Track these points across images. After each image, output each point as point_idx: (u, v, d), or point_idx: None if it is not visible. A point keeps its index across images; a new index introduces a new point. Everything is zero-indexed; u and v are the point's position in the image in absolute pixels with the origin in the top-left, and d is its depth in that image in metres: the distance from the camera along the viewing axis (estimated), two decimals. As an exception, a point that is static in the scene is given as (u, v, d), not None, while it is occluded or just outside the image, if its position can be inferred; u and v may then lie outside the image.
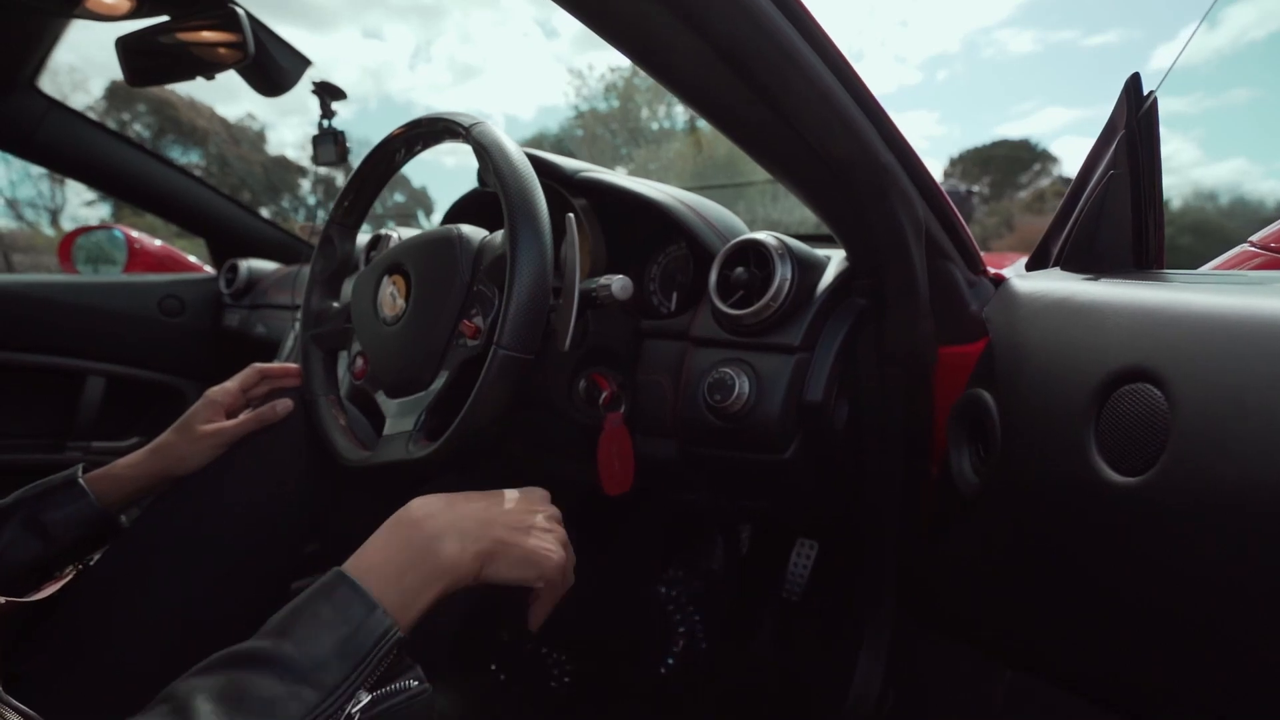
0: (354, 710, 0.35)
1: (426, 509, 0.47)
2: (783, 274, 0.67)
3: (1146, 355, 0.39)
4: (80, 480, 0.63)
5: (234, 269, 1.62)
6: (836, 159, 0.56)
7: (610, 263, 0.83)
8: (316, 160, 1.12)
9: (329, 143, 1.10)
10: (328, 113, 1.09)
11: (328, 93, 1.08)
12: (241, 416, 0.71)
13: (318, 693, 0.34)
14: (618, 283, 0.62)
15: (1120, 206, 0.55)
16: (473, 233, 0.66)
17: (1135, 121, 0.55)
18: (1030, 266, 0.70)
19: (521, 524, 0.50)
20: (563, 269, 0.60)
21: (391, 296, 0.69)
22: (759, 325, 0.69)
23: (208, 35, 0.85)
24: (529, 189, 0.58)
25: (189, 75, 0.88)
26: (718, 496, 0.81)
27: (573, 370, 0.74)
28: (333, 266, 0.79)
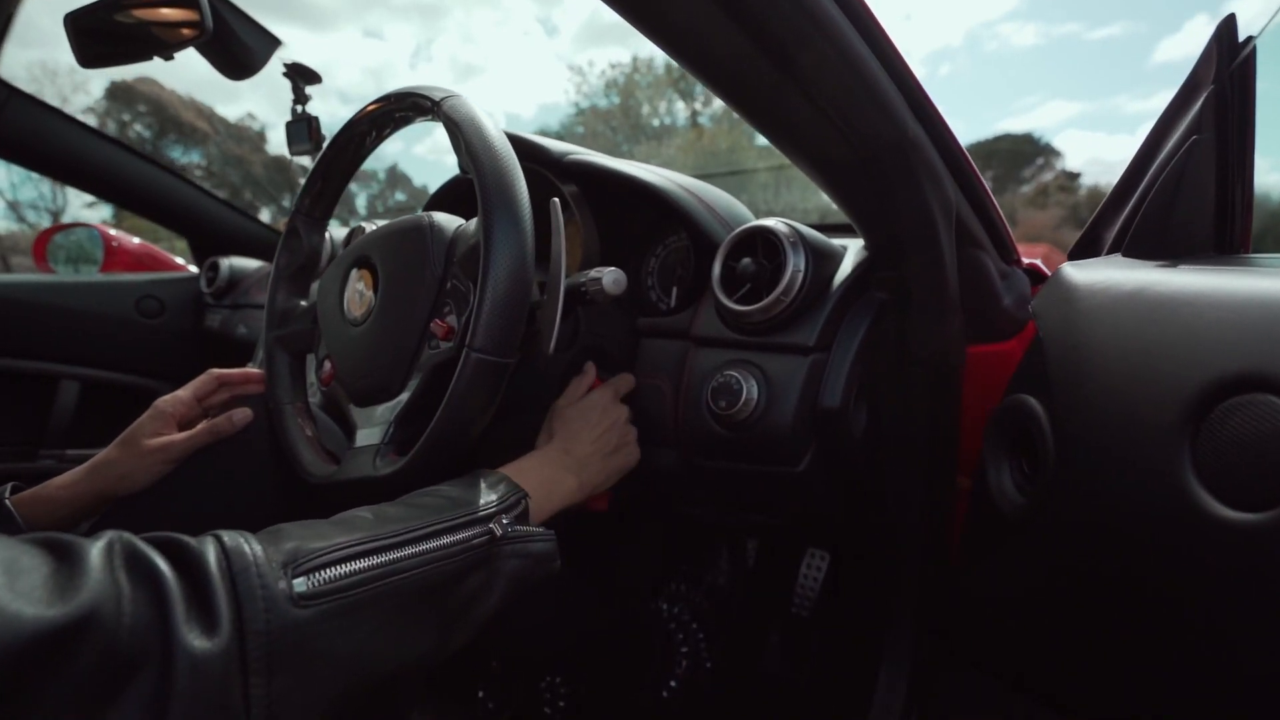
0: (505, 521, 0.45)
1: (560, 448, 0.59)
2: (795, 264, 0.60)
3: (1265, 360, 0.31)
4: (7, 502, 0.56)
5: (214, 267, 1.54)
6: (858, 131, 0.48)
7: (604, 255, 0.75)
8: (291, 148, 1.05)
9: (303, 129, 1.03)
10: (301, 97, 1.02)
11: (300, 76, 1.00)
12: (197, 428, 0.64)
13: (467, 510, 0.44)
14: (609, 276, 0.55)
15: (1203, 178, 0.47)
16: (446, 221, 0.59)
17: (1227, 75, 0.46)
18: (1076, 255, 0.63)
19: (611, 447, 0.61)
20: (549, 261, 0.54)
21: (358, 293, 0.62)
22: (768, 323, 0.61)
23: (163, 12, 0.78)
24: (505, 169, 0.50)
25: (145, 55, 0.81)
26: (723, 511, 0.74)
27: (562, 374, 0.67)
28: (299, 261, 0.73)
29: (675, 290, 0.76)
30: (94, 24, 0.83)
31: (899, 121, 0.49)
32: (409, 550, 0.40)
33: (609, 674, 0.98)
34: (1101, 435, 0.37)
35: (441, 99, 0.56)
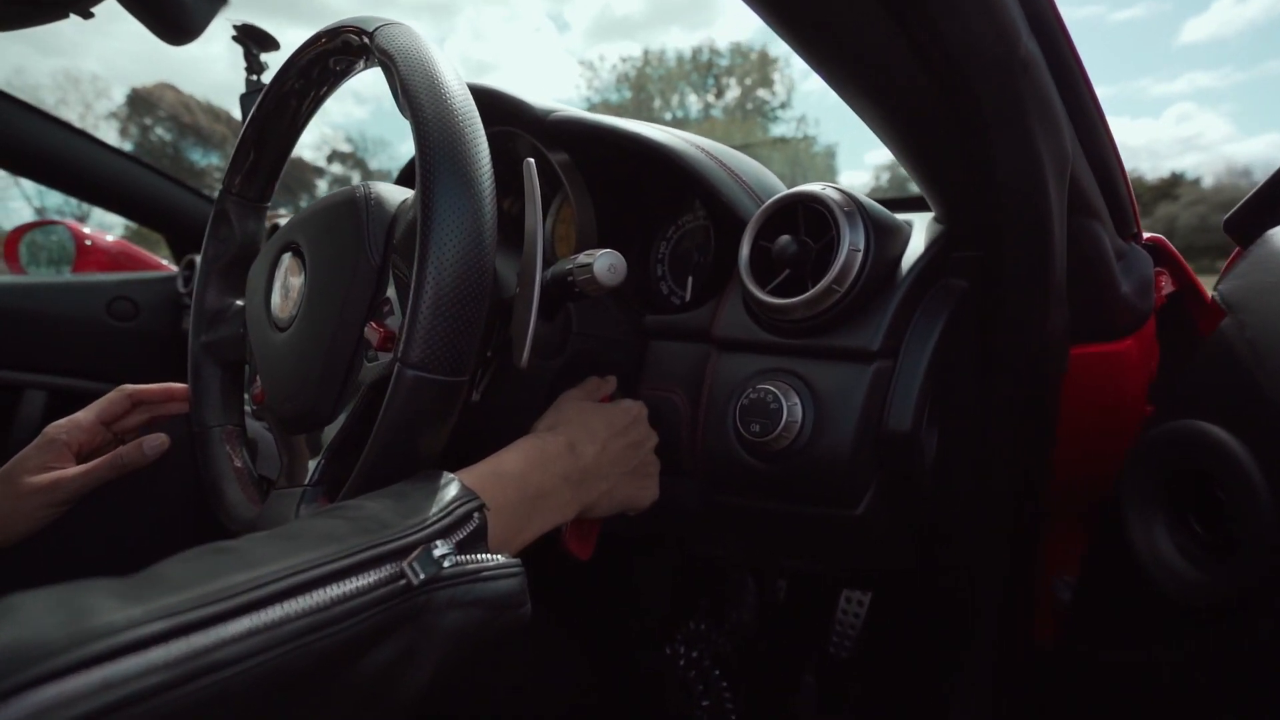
0: (439, 551, 0.32)
1: (565, 441, 0.44)
2: (852, 242, 0.45)
3: None
4: None
5: (192, 265, 1.43)
6: (945, 41, 0.34)
7: (603, 238, 0.61)
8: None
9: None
10: (255, 67, 0.89)
11: (254, 40, 0.88)
12: (98, 460, 0.52)
13: (372, 539, 0.31)
14: (602, 261, 0.41)
15: None
16: (389, 194, 0.45)
17: None
18: (1251, 220, 0.47)
19: (629, 467, 0.48)
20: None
21: (285, 288, 0.49)
22: (815, 320, 0.47)
23: (76, -43, 0.66)
24: (455, 115, 0.37)
25: (60, 13, 0.69)
26: (755, 554, 0.60)
27: (550, 388, 0.53)
28: (230, 253, 0.60)
29: (691, 280, 0.62)
30: (1, -22, 0.70)
31: (1009, 31, 0.34)
32: (248, 622, 0.25)
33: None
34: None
35: (376, 28, 0.42)
